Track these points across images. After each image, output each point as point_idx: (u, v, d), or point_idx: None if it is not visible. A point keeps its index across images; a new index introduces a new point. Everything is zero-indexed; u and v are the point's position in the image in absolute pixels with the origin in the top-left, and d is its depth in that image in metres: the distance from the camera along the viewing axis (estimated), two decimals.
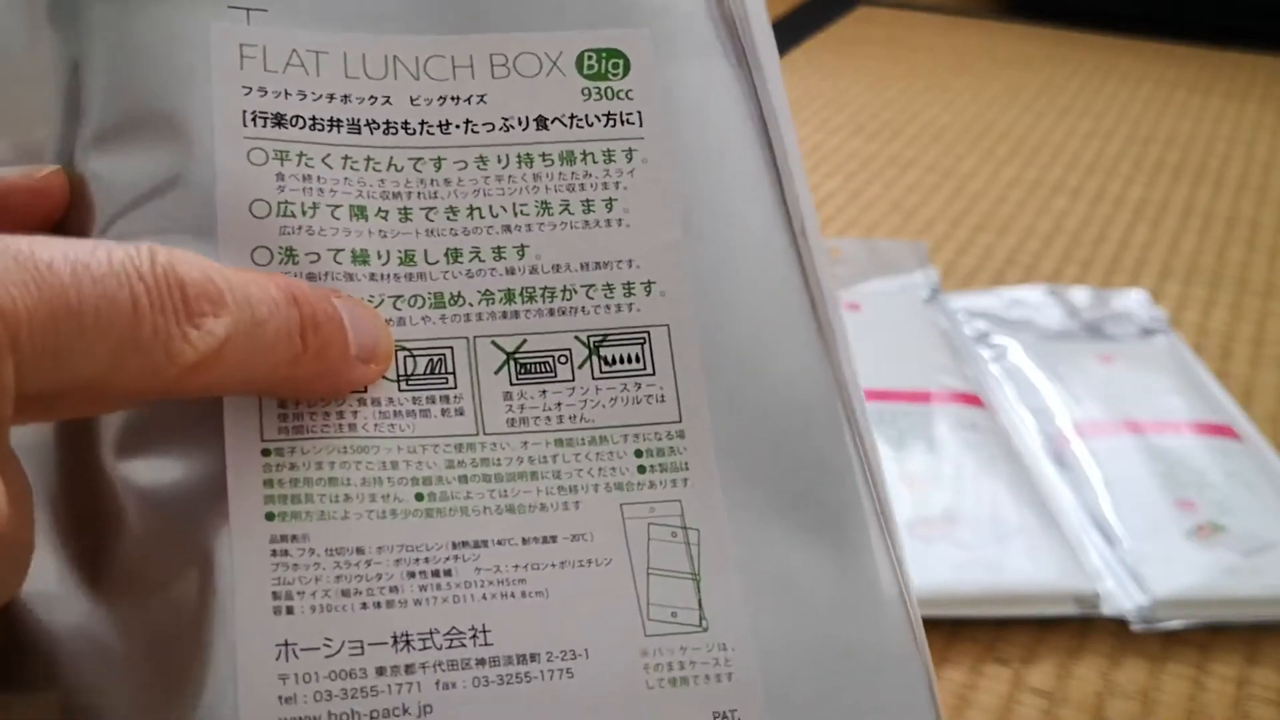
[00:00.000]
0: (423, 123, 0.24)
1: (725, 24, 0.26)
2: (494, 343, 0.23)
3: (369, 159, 0.24)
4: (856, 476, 0.24)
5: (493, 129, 0.24)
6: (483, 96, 0.25)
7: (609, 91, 0.25)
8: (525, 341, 0.23)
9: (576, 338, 0.23)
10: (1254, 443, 0.58)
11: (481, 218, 0.24)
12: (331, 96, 0.24)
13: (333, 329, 0.21)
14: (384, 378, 0.22)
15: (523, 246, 0.24)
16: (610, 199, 0.24)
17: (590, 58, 0.25)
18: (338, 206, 0.23)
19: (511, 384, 0.23)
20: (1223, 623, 0.49)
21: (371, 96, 0.24)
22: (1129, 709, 0.45)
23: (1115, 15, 1.27)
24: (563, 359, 0.23)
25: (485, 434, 0.22)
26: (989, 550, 0.49)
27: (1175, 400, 0.60)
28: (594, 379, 0.23)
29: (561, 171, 0.24)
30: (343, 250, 0.23)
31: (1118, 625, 0.49)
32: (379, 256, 0.23)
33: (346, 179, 0.23)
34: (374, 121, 0.24)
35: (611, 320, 0.23)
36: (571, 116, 0.25)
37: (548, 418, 0.23)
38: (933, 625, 0.48)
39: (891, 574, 0.24)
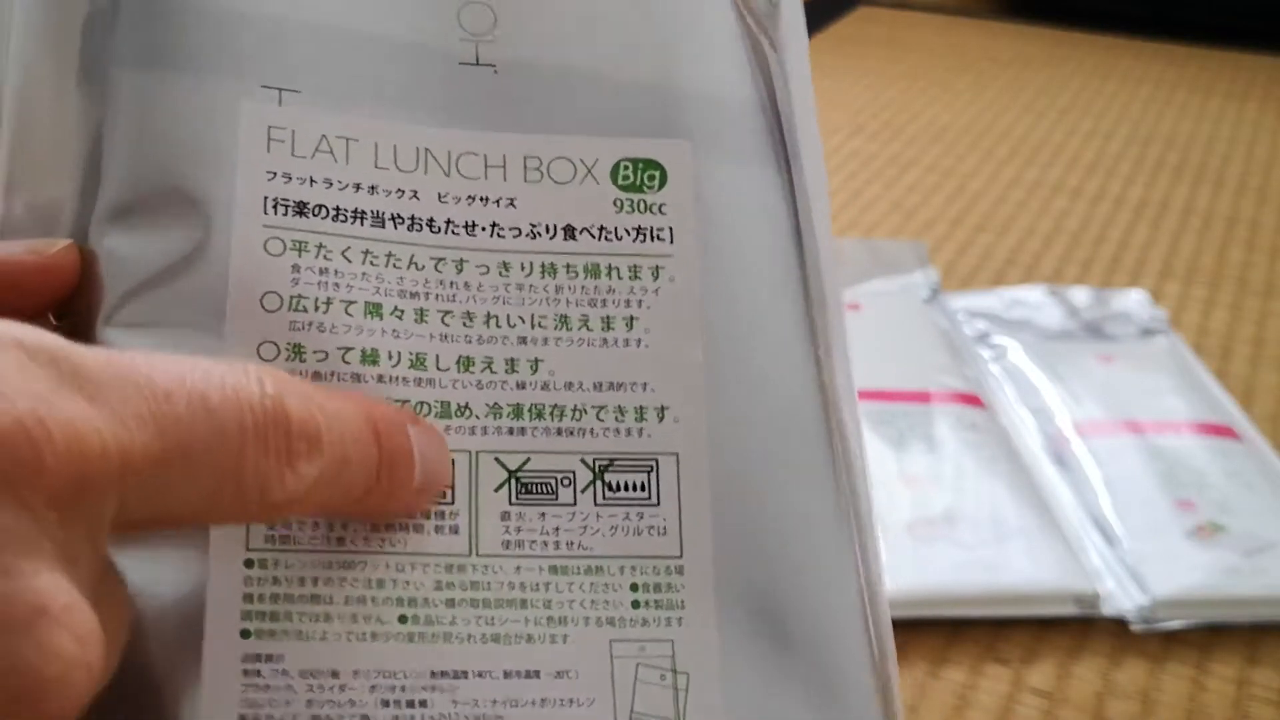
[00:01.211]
0: (449, 221, 0.23)
1: (769, 121, 0.25)
2: (497, 459, 0.22)
3: (390, 254, 0.23)
4: (858, 633, 0.23)
5: (519, 235, 0.24)
6: (513, 200, 0.24)
7: (642, 205, 0.24)
8: (529, 460, 0.22)
9: (583, 460, 0.23)
10: (1254, 443, 0.58)
11: (498, 327, 0.23)
12: (358, 186, 0.23)
13: (406, 467, 0.21)
14: None
15: (537, 361, 0.23)
16: (631, 317, 0.23)
17: (627, 167, 0.24)
18: (352, 303, 0.22)
19: (510, 504, 0.22)
20: (1223, 623, 0.49)
21: (399, 190, 0.23)
22: (1129, 709, 0.45)
23: (1115, 15, 1.27)
24: (565, 481, 0.22)
25: (479, 555, 0.22)
26: (989, 550, 0.49)
27: (1175, 400, 0.60)
28: (596, 505, 0.22)
29: (585, 285, 0.23)
30: (352, 349, 0.22)
31: (1118, 625, 0.49)
32: (389, 357, 0.22)
33: (364, 274, 0.23)
34: (399, 216, 0.23)
35: (620, 444, 0.23)
36: (601, 229, 0.24)
37: (544, 542, 0.22)
38: (933, 625, 0.49)
39: None
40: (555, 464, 0.22)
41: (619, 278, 0.24)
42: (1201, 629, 0.49)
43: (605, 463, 0.23)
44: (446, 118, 0.24)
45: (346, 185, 0.23)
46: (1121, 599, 0.49)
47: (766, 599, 0.22)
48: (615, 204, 0.24)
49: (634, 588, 0.22)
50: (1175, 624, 0.48)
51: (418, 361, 0.22)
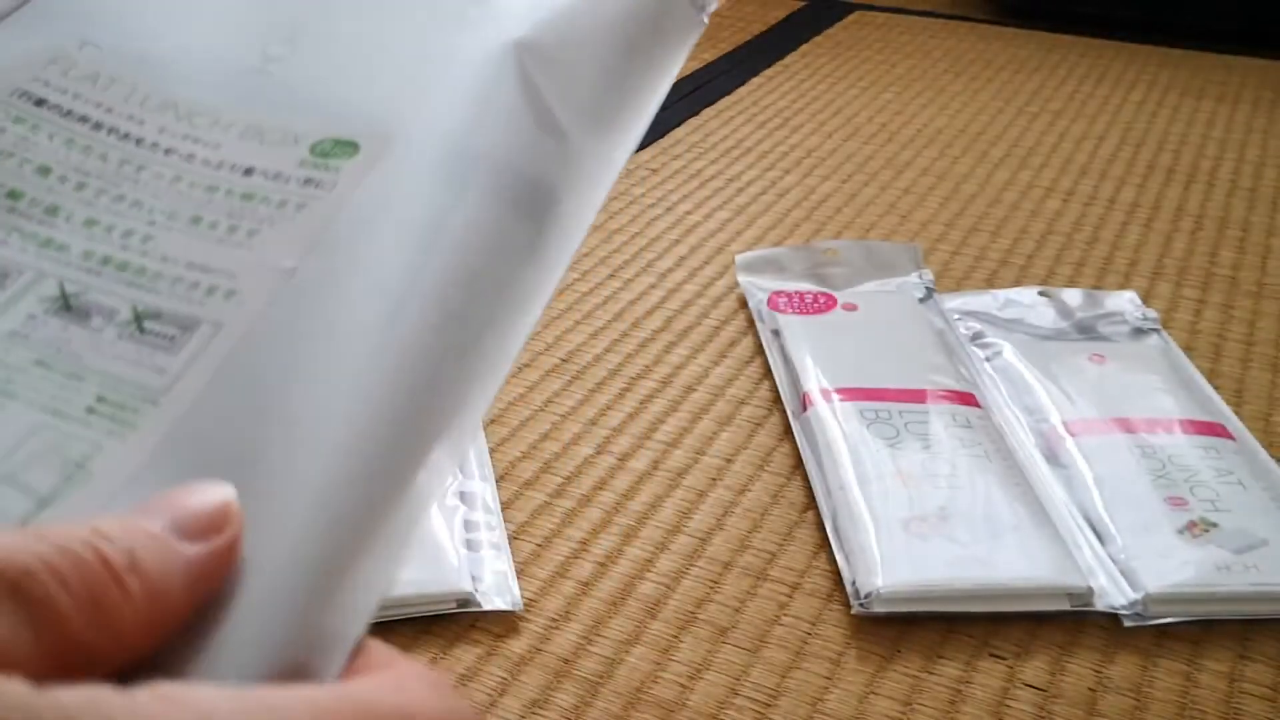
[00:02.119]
0: (154, 144, 0.27)
1: (521, 187, 0.27)
2: (61, 284, 0.25)
3: (88, 147, 0.27)
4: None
5: (207, 165, 0.27)
6: (219, 145, 0.27)
7: (324, 166, 0.27)
8: (86, 292, 0.25)
9: (133, 306, 0.25)
10: (1245, 441, 0.58)
11: (137, 211, 0.26)
12: (99, 105, 0.27)
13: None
14: None
15: (150, 237, 0.25)
16: (255, 230, 0.26)
17: (325, 144, 0.27)
18: (28, 161, 0.26)
19: (44, 315, 0.24)
20: (1214, 618, 0.49)
21: (130, 116, 0.27)
22: (1122, 704, 0.46)
23: (1107, 20, 1.28)
24: (106, 314, 0.24)
25: None
26: (983, 547, 0.50)
27: (1167, 399, 0.60)
28: (119, 337, 0.24)
29: (234, 205, 0.26)
30: (3, 185, 0.26)
31: (1110, 621, 0.49)
32: (30, 201, 0.26)
33: (54, 150, 0.27)
34: (115, 128, 0.27)
35: (175, 305, 0.25)
36: (278, 174, 0.26)
37: (47, 344, 0.24)
38: (927, 621, 0.49)
39: None
40: (106, 301, 0.25)
41: (266, 205, 0.26)
42: (1193, 625, 0.49)
43: (153, 313, 0.25)
44: (207, 91, 0.28)
45: (88, 101, 0.27)
46: (1114, 595, 0.49)
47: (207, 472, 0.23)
48: (301, 162, 0.27)
49: (100, 399, 0.24)
50: (1167, 620, 0.49)
51: (51, 210, 0.26)
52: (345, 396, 0.23)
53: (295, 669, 0.20)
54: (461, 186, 0.27)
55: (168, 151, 0.27)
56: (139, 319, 0.25)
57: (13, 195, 0.26)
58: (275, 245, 0.26)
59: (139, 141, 0.27)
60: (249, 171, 0.27)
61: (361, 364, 0.24)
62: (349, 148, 0.27)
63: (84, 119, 0.28)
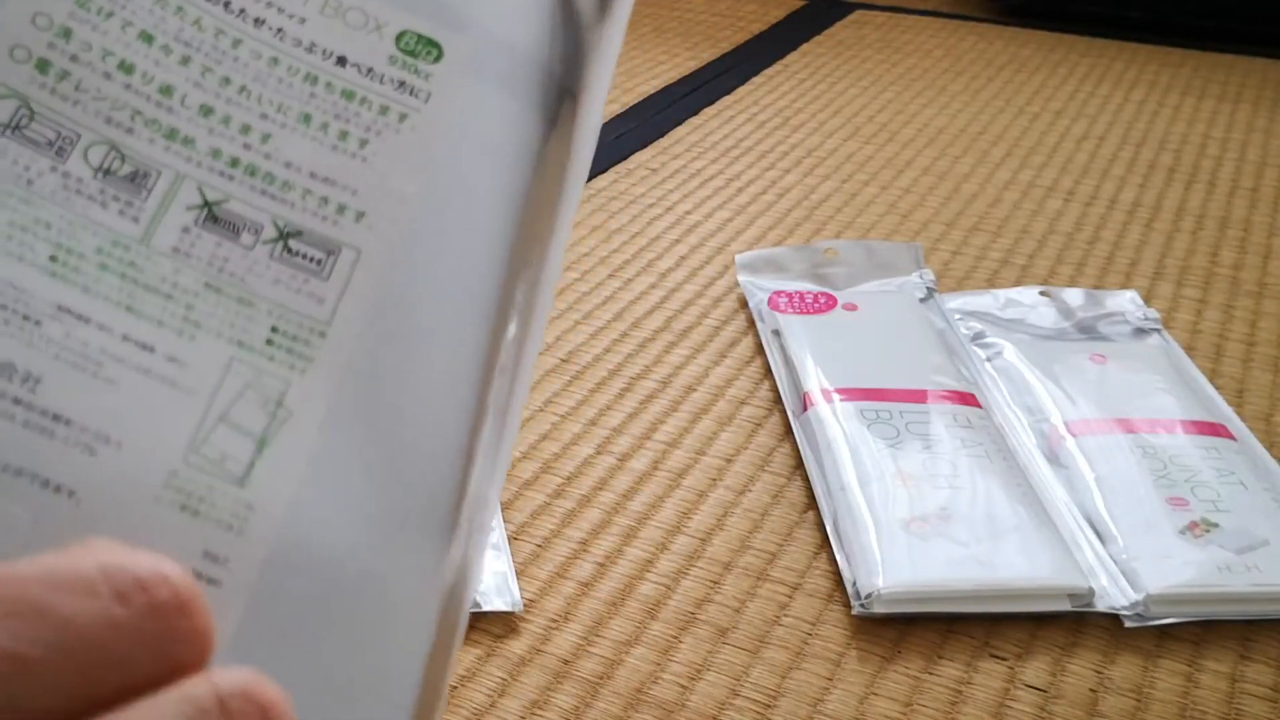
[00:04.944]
0: (243, 11, 0.26)
1: (548, 83, 0.27)
2: (200, 188, 0.24)
3: (180, 9, 0.26)
4: (451, 485, 0.24)
5: (298, 45, 0.26)
6: (304, 20, 0.26)
7: (414, 69, 0.26)
8: (227, 201, 0.24)
9: (274, 221, 0.24)
10: (1246, 441, 0.58)
11: (248, 99, 0.25)
12: None
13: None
14: (86, 165, 0.24)
15: (268, 135, 0.25)
16: (365, 140, 0.25)
17: (410, 37, 0.27)
18: (130, 24, 0.25)
19: (195, 225, 0.24)
20: (1215, 619, 0.49)
21: None
22: (1123, 704, 0.46)
23: (1108, 19, 1.28)
24: (253, 230, 0.24)
25: (147, 246, 0.23)
26: (984, 547, 0.50)
27: (1168, 399, 0.60)
28: (271, 258, 0.24)
29: (337, 102, 0.26)
30: (113, 54, 0.24)
31: (1111, 621, 0.49)
32: (143, 77, 0.25)
33: (152, 12, 0.25)
34: None
35: (313, 223, 0.25)
36: (370, 70, 0.26)
37: (210, 263, 0.24)
38: (928, 621, 0.49)
39: (454, 566, 0.24)
40: (249, 213, 0.24)
41: (369, 109, 0.26)
42: (1194, 625, 0.49)
43: (295, 231, 0.24)
44: None
45: None
46: (1115, 595, 0.49)
47: (381, 412, 0.24)
48: (390, 59, 0.26)
49: (274, 329, 0.24)
50: (1168, 620, 0.49)
51: (166, 90, 0.25)
52: (466, 338, 0.25)
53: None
54: (526, 97, 0.27)
55: (258, 22, 0.26)
56: (284, 236, 0.24)
57: (125, 69, 0.25)
58: (389, 162, 0.25)
59: (226, 5, 0.26)
60: (342, 61, 0.26)
61: (476, 305, 0.25)
62: (433, 49, 0.27)
63: None
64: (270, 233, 0.24)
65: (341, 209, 0.25)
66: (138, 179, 0.24)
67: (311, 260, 0.24)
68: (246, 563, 0.22)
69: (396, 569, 0.23)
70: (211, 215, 0.24)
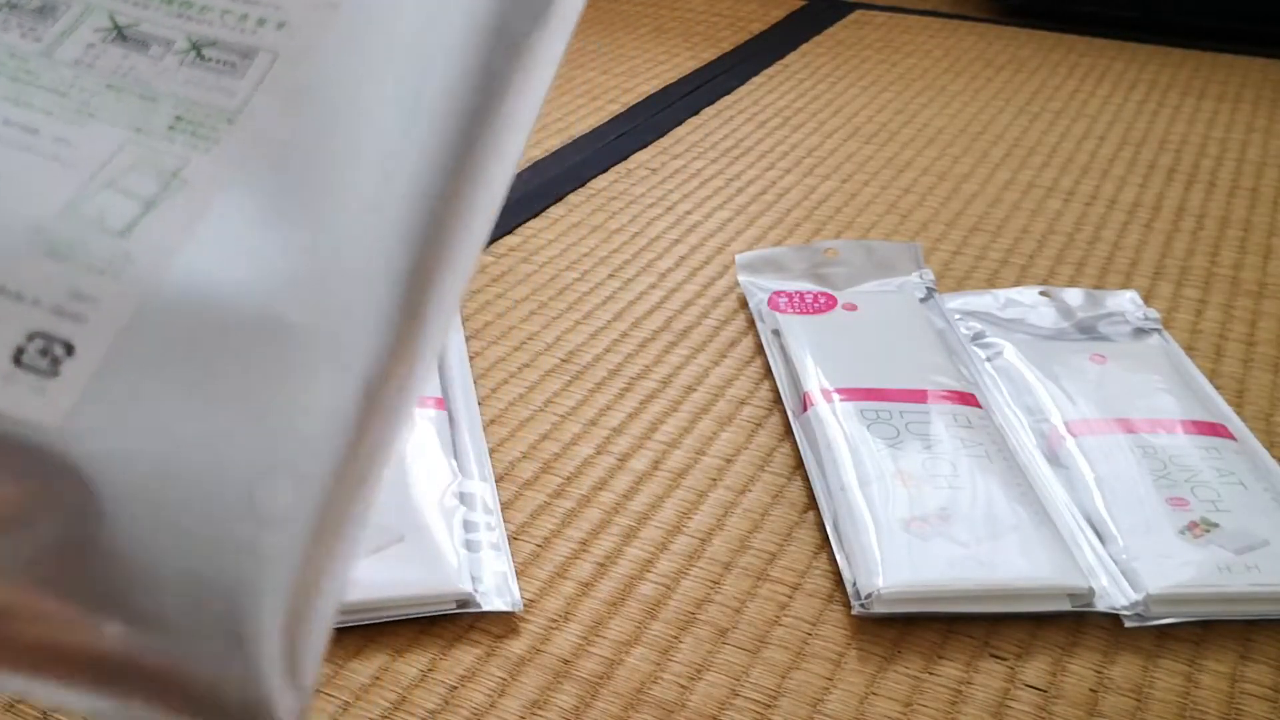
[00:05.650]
0: None
1: None
2: (112, 15, 0.25)
3: None
4: (398, 273, 0.24)
5: None
6: None
7: None
8: (139, 24, 0.25)
9: (188, 36, 0.25)
10: (1247, 441, 0.58)
11: None
12: None
13: None
14: None
15: None
16: None
17: None
18: None
19: (100, 43, 0.25)
20: (1215, 619, 0.49)
21: None
22: (1123, 704, 0.46)
23: (1108, 19, 1.28)
24: (163, 43, 0.25)
25: (48, 59, 0.24)
26: (984, 547, 0.50)
27: (1168, 399, 0.60)
28: (181, 65, 0.25)
29: None
30: None
31: (1112, 621, 0.49)
32: None
33: None
34: None
35: (229, 35, 0.25)
36: None
37: (113, 70, 0.25)
38: (928, 621, 0.49)
39: (417, 352, 0.24)
40: (161, 32, 0.25)
41: None
42: (1194, 625, 0.49)
43: (209, 42, 0.25)
44: None
45: None
46: (1115, 595, 0.49)
47: (302, 186, 0.24)
48: None
49: (178, 119, 0.24)
50: (1168, 620, 0.49)
51: None
52: (399, 118, 0.25)
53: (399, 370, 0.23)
54: None
55: None
56: (196, 47, 0.25)
57: None
58: None
59: None
60: None
61: (407, 89, 0.25)
62: None
63: None
64: (182, 45, 0.25)
65: (261, 21, 0.26)
66: (45, 10, 0.25)
67: (225, 63, 0.25)
68: (118, 301, 0.22)
69: (321, 326, 0.23)
70: (121, 35, 0.25)
